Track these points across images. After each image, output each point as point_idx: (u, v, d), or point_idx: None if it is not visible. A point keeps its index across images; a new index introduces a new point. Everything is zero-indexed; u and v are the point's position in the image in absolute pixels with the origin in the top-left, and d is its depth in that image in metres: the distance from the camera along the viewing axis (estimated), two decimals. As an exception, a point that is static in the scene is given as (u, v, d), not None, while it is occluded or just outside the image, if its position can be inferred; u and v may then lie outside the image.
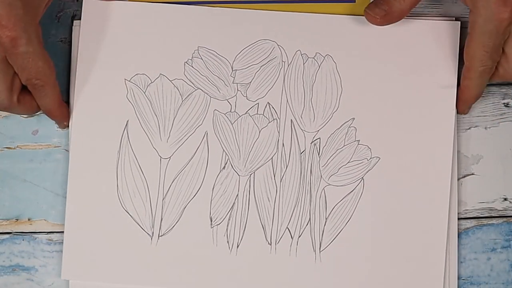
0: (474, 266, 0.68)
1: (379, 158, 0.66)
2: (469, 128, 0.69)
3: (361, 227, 0.66)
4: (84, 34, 0.66)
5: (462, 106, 0.67)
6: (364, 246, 0.66)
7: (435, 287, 0.65)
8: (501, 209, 0.68)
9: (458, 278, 0.66)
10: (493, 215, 0.68)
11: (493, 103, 0.69)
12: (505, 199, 0.68)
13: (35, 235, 0.67)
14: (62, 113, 0.65)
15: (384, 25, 0.65)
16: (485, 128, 0.69)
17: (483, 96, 0.68)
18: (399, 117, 0.67)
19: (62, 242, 0.66)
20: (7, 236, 0.67)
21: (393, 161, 0.66)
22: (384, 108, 0.67)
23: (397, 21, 0.64)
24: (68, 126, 0.66)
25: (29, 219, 0.67)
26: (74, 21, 0.67)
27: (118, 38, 0.67)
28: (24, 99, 0.62)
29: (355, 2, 0.68)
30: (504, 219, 0.68)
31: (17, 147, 0.67)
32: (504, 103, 0.69)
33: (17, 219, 0.67)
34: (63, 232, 0.66)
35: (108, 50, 0.66)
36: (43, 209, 0.67)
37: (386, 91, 0.67)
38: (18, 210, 0.67)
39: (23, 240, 0.67)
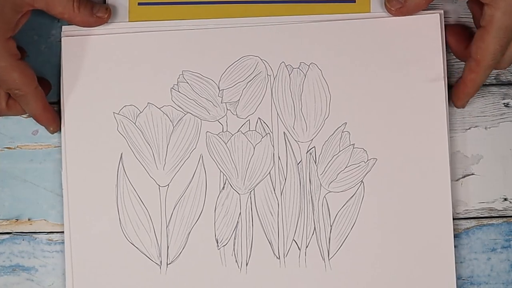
0: (474, 266, 0.68)
1: (376, 159, 0.66)
2: (469, 128, 0.68)
3: (367, 229, 0.66)
4: (66, 72, 0.66)
5: (463, 99, 0.66)
6: (372, 248, 0.66)
7: (448, 283, 0.65)
8: (501, 209, 0.68)
9: (458, 278, 0.66)
10: (493, 215, 0.68)
11: (493, 103, 0.69)
12: (505, 199, 0.68)
13: (35, 235, 0.67)
14: (47, 118, 0.65)
15: (400, 16, 0.67)
16: (485, 128, 0.68)
17: (483, 96, 0.68)
18: (391, 116, 0.67)
19: (62, 242, 0.66)
20: (7, 236, 0.67)
21: (390, 160, 0.66)
22: (375, 108, 0.67)
23: (414, 13, 0.66)
24: (56, 131, 0.66)
25: (29, 219, 0.67)
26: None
27: (101, 73, 0.66)
28: (15, 103, 0.64)
29: (355, 2, 0.68)
30: (504, 219, 0.68)
31: (17, 147, 0.67)
32: (504, 103, 0.69)
33: (17, 219, 0.67)
34: (63, 232, 0.66)
35: (93, 86, 0.66)
36: (43, 209, 0.67)
37: (375, 92, 0.67)
38: (18, 210, 0.67)
39: (23, 240, 0.67)
